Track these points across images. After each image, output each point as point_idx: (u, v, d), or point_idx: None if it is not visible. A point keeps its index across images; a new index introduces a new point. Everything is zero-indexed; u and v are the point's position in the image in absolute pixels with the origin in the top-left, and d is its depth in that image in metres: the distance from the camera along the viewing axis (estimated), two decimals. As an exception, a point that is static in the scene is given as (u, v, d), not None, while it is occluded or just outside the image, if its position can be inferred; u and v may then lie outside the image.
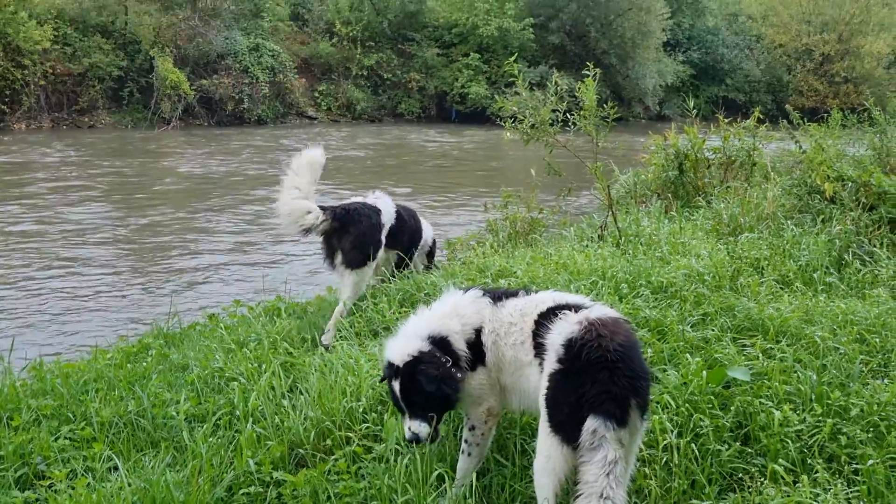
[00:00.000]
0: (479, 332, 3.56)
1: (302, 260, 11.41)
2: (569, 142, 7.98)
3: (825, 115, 12.46)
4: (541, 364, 3.30)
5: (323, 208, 6.11)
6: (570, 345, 3.12)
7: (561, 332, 3.20)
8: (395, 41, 41.35)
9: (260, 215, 15.02)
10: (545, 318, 3.35)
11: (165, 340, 5.84)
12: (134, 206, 16.13)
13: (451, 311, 3.62)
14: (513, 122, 8.11)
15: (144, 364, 5.04)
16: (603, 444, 2.91)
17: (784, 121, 9.99)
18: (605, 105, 7.55)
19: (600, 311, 3.36)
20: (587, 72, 7.81)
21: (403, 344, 3.51)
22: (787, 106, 9.99)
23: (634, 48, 43.24)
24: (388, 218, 6.44)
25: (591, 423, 2.93)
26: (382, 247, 6.28)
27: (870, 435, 3.83)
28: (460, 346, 3.52)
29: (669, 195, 9.55)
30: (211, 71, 34.25)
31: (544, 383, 3.19)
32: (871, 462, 3.53)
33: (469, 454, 3.60)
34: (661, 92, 46.21)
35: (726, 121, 10.20)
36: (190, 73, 33.10)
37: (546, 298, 3.56)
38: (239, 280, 10.55)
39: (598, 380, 2.97)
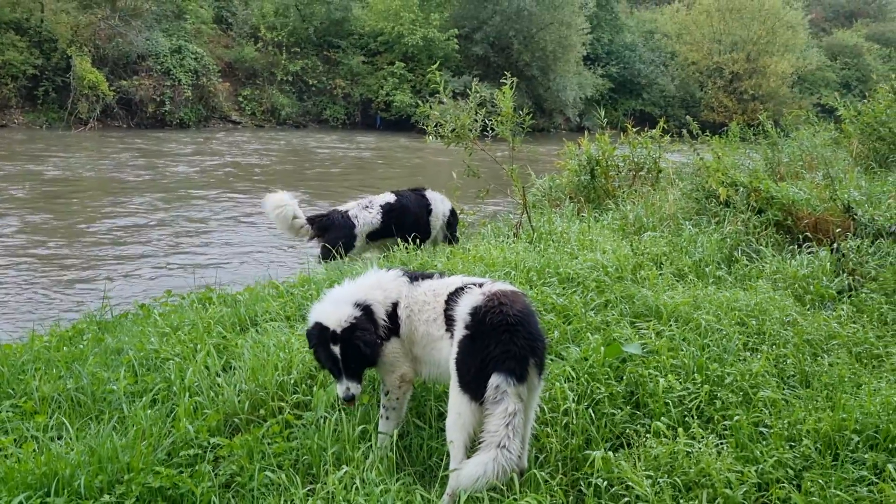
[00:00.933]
0: (395, 305, 3.98)
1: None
2: (488, 147, 8.49)
3: (726, 129, 13.40)
4: (451, 336, 3.73)
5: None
6: (475, 313, 3.58)
7: (468, 303, 3.66)
8: (320, 48, 41.44)
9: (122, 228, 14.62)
10: (455, 296, 3.80)
11: (99, 327, 6.03)
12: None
13: (376, 284, 4.04)
14: (435, 127, 8.57)
15: (81, 347, 5.26)
16: (504, 398, 3.36)
17: (686, 132, 10.80)
18: (520, 112, 8.08)
19: (502, 285, 3.84)
20: (505, 80, 8.35)
21: (335, 310, 3.88)
22: (687, 117, 10.76)
23: (556, 61, 44.49)
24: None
25: (494, 380, 3.38)
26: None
27: (740, 398, 4.41)
28: (381, 315, 3.92)
29: (582, 198, 10.19)
30: (131, 72, 33.66)
31: (454, 350, 3.63)
32: (736, 418, 4.10)
33: (387, 417, 4.01)
34: (582, 104, 47.62)
35: (635, 130, 10.92)
36: (109, 74, 32.46)
37: (456, 280, 4.01)
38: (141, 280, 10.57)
39: (500, 341, 3.43)
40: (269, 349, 4.67)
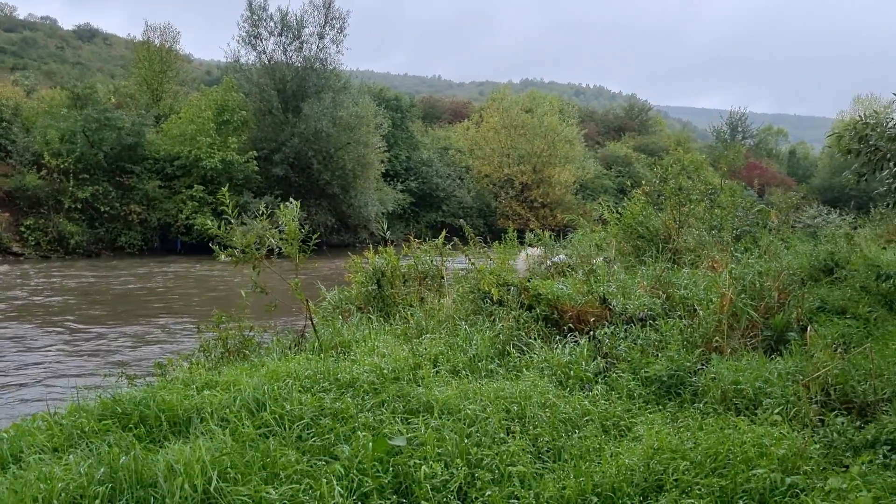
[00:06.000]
0: None
1: None
2: (272, 265, 8.74)
3: (503, 234, 14.56)
4: None
5: None
6: None
7: None
8: (112, 173, 40.12)
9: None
10: None
11: None
12: None
13: None
14: (223, 248, 8.76)
15: None
16: None
17: (475, 240, 11.68)
18: (303, 229, 8.48)
19: None
20: (289, 203, 8.77)
21: None
22: (461, 222, 11.67)
23: (356, 178, 46.01)
24: None
25: None
26: None
27: (496, 476, 4.84)
28: None
29: (371, 307, 10.63)
30: None
31: None
32: (489, 493, 4.51)
33: None
34: (385, 219, 49.19)
35: (417, 242, 11.68)
36: None
37: None
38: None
39: None
40: (29, 483, 4.51)
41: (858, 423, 6.02)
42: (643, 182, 18.94)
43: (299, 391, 6.03)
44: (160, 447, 5.18)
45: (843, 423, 5.92)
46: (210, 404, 5.84)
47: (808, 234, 19.67)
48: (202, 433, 5.37)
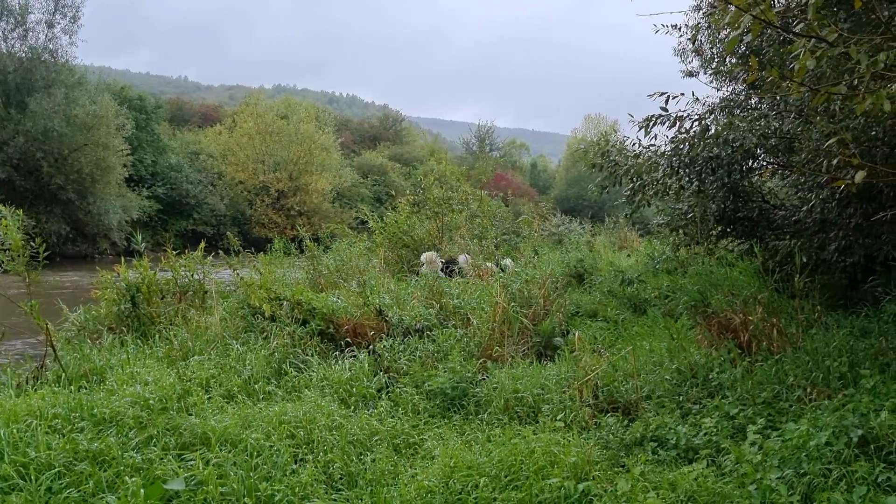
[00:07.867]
0: None
1: None
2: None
3: (270, 245, 13.96)
4: None
5: None
6: None
7: None
8: None
9: None
10: None
11: None
12: None
13: None
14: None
15: None
16: None
17: (223, 251, 10.93)
18: (33, 244, 7.36)
19: None
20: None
21: None
22: (228, 233, 10.94)
23: (94, 183, 42.00)
24: None
25: None
26: None
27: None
28: None
29: (124, 328, 9.51)
30: None
31: None
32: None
33: None
34: (129, 227, 45.56)
35: (175, 252, 10.70)
36: None
37: None
38: None
39: None
40: None
41: (626, 421, 6.36)
42: (408, 192, 19.17)
43: (46, 433, 5.13)
44: None
45: (614, 424, 6.22)
46: (-75, 458, 4.78)
47: (555, 241, 21.12)
48: (-83, 496, 4.35)
